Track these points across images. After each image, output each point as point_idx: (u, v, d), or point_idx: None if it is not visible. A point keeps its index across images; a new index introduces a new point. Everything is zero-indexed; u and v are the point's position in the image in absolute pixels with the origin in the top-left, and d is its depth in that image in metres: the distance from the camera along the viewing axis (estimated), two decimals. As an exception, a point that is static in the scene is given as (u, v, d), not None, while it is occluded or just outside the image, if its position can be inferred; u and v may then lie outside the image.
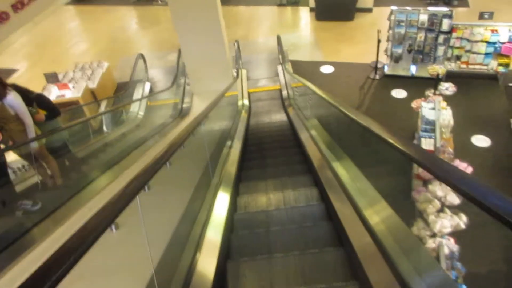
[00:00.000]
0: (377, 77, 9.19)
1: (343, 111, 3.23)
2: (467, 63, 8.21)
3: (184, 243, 2.65)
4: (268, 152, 5.94)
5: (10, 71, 12.29)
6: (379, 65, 9.17)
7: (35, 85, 9.57)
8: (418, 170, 6.00)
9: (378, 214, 2.65)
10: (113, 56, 12.33)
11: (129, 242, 2.19)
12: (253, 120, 8.40)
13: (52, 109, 4.55)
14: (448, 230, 4.48)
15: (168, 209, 2.94)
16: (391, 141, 2.02)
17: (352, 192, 3.16)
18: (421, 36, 8.25)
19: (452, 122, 5.85)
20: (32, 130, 4.05)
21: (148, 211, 2.37)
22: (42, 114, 4.32)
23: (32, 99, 4.30)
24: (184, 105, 8.98)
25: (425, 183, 5.54)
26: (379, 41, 8.63)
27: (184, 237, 2.70)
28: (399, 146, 1.92)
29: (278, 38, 10.29)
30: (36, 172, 4.32)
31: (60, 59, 12.62)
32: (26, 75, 12.04)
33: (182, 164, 3.26)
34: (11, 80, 11.81)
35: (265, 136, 7.14)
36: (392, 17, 8.31)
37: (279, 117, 8.31)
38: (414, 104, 6.97)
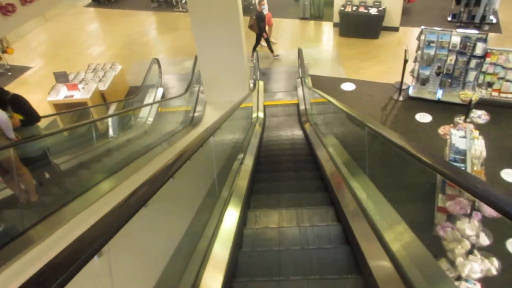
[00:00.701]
0: (401, 98, 8.79)
1: (373, 128, 2.93)
2: (499, 91, 7.76)
3: (186, 262, 2.39)
4: (283, 173, 5.56)
5: (24, 69, 12.25)
6: (404, 87, 8.77)
7: (47, 84, 9.44)
8: (444, 203, 5.55)
9: (401, 240, 2.44)
10: (128, 59, 12.20)
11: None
12: (267, 133, 8.05)
13: (29, 114, 4.00)
14: (478, 275, 4.02)
15: (169, 225, 2.60)
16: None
17: (372, 215, 2.88)
18: (451, 59, 7.84)
19: (484, 153, 5.40)
20: (9, 130, 3.55)
21: (144, 228, 2.04)
22: (17, 118, 3.82)
23: (7, 101, 3.80)
24: (196, 114, 8.68)
25: (450, 217, 5.09)
26: (405, 61, 8.25)
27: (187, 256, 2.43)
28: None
29: (299, 51, 9.99)
30: (6, 186, 3.78)
31: (75, 59, 12.52)
32: (39, 73, 11.95)
33: (187, 178, 2.92)
34: (23, 77, 11.74)
35: (279, 153, 6.76)
36: (422, 37, 7.93)
37: (296, 133, 7.94)
38: (441, 131, 6.53)
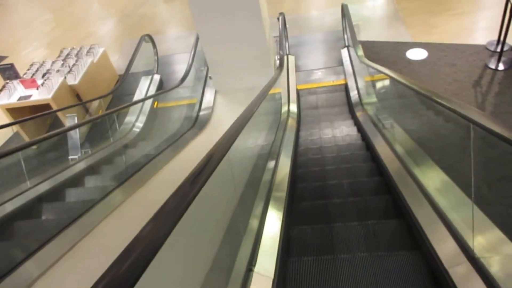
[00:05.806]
0: (501, 66, 6.06)
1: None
2: None
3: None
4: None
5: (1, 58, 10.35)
6: (505, 48, 6.02)
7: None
8: None
9: None
10: (123, 36, 10.05)
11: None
12: (302, 137, 5.62)
13: None
14: None
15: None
16: None
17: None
18: None
19: None
20: None
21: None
22: None
23: None
24: (202, 113, 6.34)
25: None
26: (508, 5, 5.51)
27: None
28: None
29: (344, 8, 7.27)
30: None
31: (59, 42, 10.44)
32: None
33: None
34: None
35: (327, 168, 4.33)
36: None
37: (345, 131, 5.46)
38: None
